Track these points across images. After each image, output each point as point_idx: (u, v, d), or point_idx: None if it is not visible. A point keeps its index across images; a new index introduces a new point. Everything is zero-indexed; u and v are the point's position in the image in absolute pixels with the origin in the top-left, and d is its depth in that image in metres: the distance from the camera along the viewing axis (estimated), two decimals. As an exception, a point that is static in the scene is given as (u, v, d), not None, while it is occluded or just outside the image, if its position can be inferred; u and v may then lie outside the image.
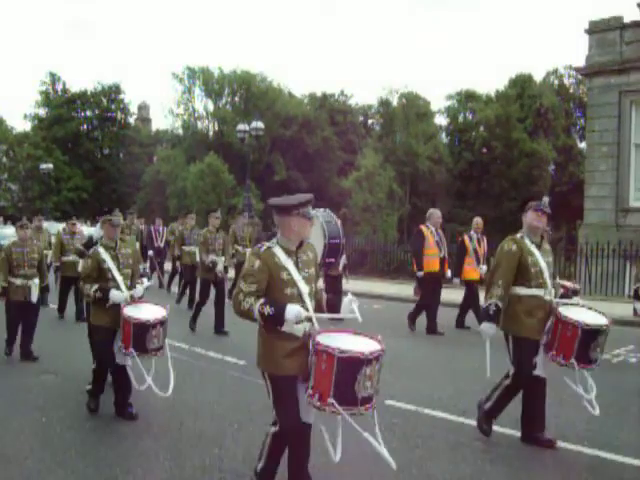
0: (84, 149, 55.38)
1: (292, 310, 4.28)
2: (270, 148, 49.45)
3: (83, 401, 7.16)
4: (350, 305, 4.69)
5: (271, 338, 4.47)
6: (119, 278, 6.83)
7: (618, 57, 20.42)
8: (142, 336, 6.40)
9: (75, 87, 57.65)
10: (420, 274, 12.03)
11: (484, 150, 50.36)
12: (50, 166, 45.32)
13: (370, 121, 59.40)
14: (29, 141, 53.68)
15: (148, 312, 6.63)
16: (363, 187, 42.10)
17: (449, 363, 9.62)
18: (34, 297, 9.63)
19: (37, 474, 5.28)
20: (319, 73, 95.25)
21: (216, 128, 53.72)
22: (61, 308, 13.55)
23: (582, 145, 47.65)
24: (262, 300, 4.33)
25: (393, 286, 20.36)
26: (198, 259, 13.16)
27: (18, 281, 9.53)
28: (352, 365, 4.14)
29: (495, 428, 6.39)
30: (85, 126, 57.94)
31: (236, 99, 54.31)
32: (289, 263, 4.50)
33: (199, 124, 55.52)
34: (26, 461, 5.57)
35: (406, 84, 71.91)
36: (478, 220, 13.31)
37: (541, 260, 6.08)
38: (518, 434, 6.28)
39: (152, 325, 6.43)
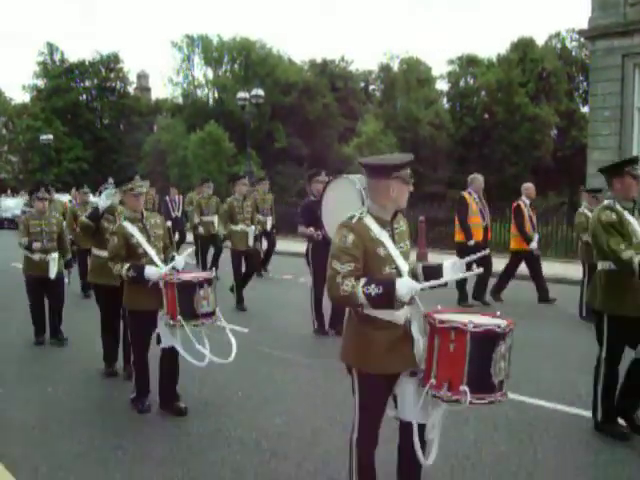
0: (84, 119, 55.06)
1: (404, 285, 3.54)
2: (270, 115, 49.13)
3: (88, 370, 7.20)
4: (454, 267, 3.91)
5: (366, 329, 3.71)
6: (152, 252, 6.10)
7: (622, 19, 20.16)
8: (189, 297, 5.69)
9: (73, 57, 57.20)
10: (471, 243, 10.98)
11: (486, 115, 50.05)
12: (50, 137, 45.08)
13: (371, 87, 58.96)
14: (28, 112, 53.43)
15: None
16: (364, 154, 41.89)
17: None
18: (52, 272, 8.80)
19: (43, 443, 5.32)
20: (319, 39, 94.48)
21: (216, 96, 53.38)
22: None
23: (585, 109, 47.28)
24: (364, 280, 3.55)
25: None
26: (218, 230, 13.00)
27: (36, 256, 8.81)
28: (488, 341, 3.53)
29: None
30: (84, 96, 57.52)
31: (236, 67, 53.87)
32: (384, 236, 3.74)
33: (199, 92, 55.20)
34: (33, 431, 5.61)
35: (407, 49, 71.52)
36: (530, 186, 12.09)
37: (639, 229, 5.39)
38: (521, 398, 6.32)
39: (198, 283, 5.74)
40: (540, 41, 53.26)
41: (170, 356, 6.00)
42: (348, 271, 3.57)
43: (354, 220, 3.72)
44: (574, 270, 13.47)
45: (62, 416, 5.99)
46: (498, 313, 3.81)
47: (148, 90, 64.82)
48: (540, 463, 4.91)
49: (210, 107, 52.49)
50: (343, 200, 8.00)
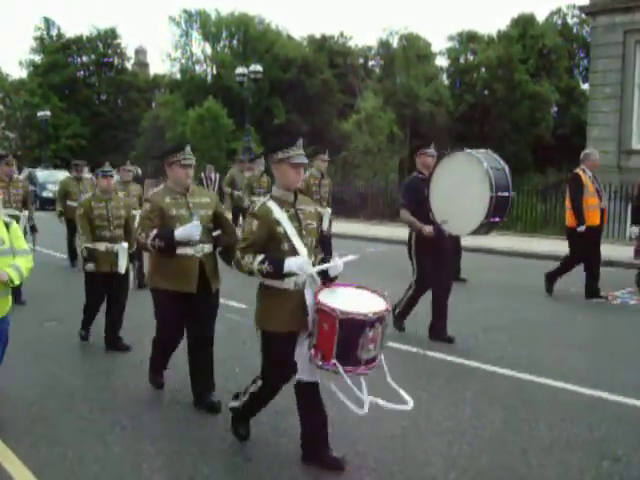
0: (81, 95, 54.80)
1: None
2: (269, 91, 48.90)
3: (87, 347, 7.22)
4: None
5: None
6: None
7: (623, -5, 20.03)
8: (353, 340, 4.03)
9: (70, 32, 56.88)
10: (582, 229, 9.83)
11: (485, 92, 49.79)
12: (47, 113, 44.91)
13: (370, 63, 58.61)
14: (25, 88, 53.15)
15: (354, 300, 4.21)
16: (363, 130, 41.73)
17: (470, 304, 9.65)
18: (122, 266, 7.35)
19: (43, 420, 5.35)
20: (318, 15, 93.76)
21: (214, 72, 53.10)
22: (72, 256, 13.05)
23: (585, 86, 47.06)
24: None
25: (397, 229, 20.35)
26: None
27: (102, 246, 7.34)
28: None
29: (494, 369, 6.49)
30: (82, 72, 57.23)
31: (234, 42, 53.56)
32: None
33: (197, 68, 54.91)
34: (32, 407, 5.63)
35: (406, 25, 71.04)
36: (595, 153, 10.62)
37: None
38: (517, 375, 6.36)
39: (370, 323, 4.03)
40: (541, 17, 52.99)
41: (311, 389, 4.48)
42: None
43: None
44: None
45: (61, 393, 6.01)
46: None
47: (146, 66, 64.43)
48: (535, 439, 4.94)
49: (208, 83, 52.23)
50: (460, 181, 7.07)
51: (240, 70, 29.48)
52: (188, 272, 5.41)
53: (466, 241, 11.27)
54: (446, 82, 53.59)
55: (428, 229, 7.33)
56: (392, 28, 51.78)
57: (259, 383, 4.57)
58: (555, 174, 35.08)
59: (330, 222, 10.83)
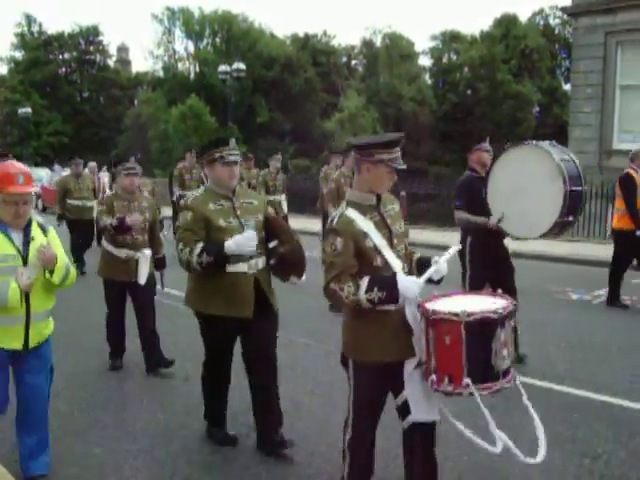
0: (63, 92, 54.42)
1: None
2: (252, 90, 48.78)
3: (69, 344, 7.15)
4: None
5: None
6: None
7: (604, -4, 20.15)
8: (484, 346, 3.32)
9: (52, 29, 56.61)
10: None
11: (468, 91, 49.95)
12: (29, 110, 44.50)
13: (353, 62, 58.68)
14: (6, 85, 52.67)
15: (469, 303, 3.46)
16: (346, 129, 41.74)
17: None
18: (142, 277, 6.44)
19: (22, 418, 5.28)
20: (301, 13, 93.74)
21: (197, 70, 52.94)
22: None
23: (567, 87, 47.36)
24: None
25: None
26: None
27: (122, 253, 6.50)
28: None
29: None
30: (63, 69, 56.86)
31: (217, 40, 53.43)
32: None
33: (180, 66, 54.70)
34: (10, 405, 5.57)
35: (390, 24, 71.02)
36: None
37: None
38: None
39: (500, 320, 3.32)
40: (523, 18, 53.27)
41: (426, 434, 3.83)
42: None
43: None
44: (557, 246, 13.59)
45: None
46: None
47: (128, 63, 64.18)
48: (518, 439, 4.95)
49: (191, 81, 52.03)
50: (525, 177, 6.27)
51: (223, 68, 29.43)
52: (242, 294, 4.51)
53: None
54: (429, 81, 53.72)
55: (493, 221, 6.47)
56: (375, 27, 52.16)
57: (348, 434, 3.75)
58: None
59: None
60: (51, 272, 4.09)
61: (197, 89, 47.82)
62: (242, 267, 4.50)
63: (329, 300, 3.66)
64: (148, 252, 6.51)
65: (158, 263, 6.80)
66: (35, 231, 4.17)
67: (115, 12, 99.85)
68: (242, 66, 28.85)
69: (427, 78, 54.20)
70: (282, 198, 13.20)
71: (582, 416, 5.37)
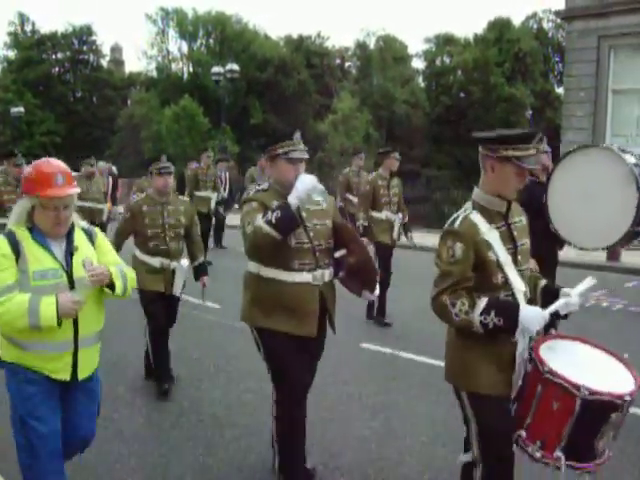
0: (56, 92, 54.24)
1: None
2: (246, 91, 48.77)
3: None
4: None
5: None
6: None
7: (598, 0, 20.20)
8: (594, 428, 2.96)
9: (45, 28, 56.43)
10: None
11: (461, 94, 50.09)
12: (21, 110, 44.36)
13: (347, 64, 58.66)
14: (-1, 84, 52.56)
15: (587, 366, 3.12)
16: (339, 131, 41.80)
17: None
18: (178, 289, 6.04)
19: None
20: (295, 15, 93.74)
21: (191, 70, 52.90)
22: None
23: (560, 90, 47.49)
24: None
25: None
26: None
27: (156, 262, 5.94)
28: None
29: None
30: (57, 69, 56.63)
31: (211, 41, 53.39)
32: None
33: (173, 66, 54.64)
34: (1, 407, 5.55)
35: (383, 27, 71.17)
36: None
37: None
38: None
39: (623, 407, 2.95)
40: (517, 21, 53.43)
41: None
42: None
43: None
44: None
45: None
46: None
47: (122, 63, 63.97)
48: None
49: (185, 81, 51.98)
50: (591, 182, 5.61)
51: (217, 69, 29.39)
52: (307, 308, 4.03)
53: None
54: (422, 84, 53.84)
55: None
56: (369, 29, 52.33)
57: (480, 471, 3.25)
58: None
59: (400, 232, 9.07)
60: (111, 287, 3.43)
61: (190, 90, 47.77)
62: (306, 277, 4.00)
63: (436, 313, 3.12)
64: (185, 262, 5.98)
65: (198, 271, 6.15)
66: (79, 239, 3.48)
67: (109, 12, 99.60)
68: (236, 67, 28.83)
69: (420, 81, 54.34)
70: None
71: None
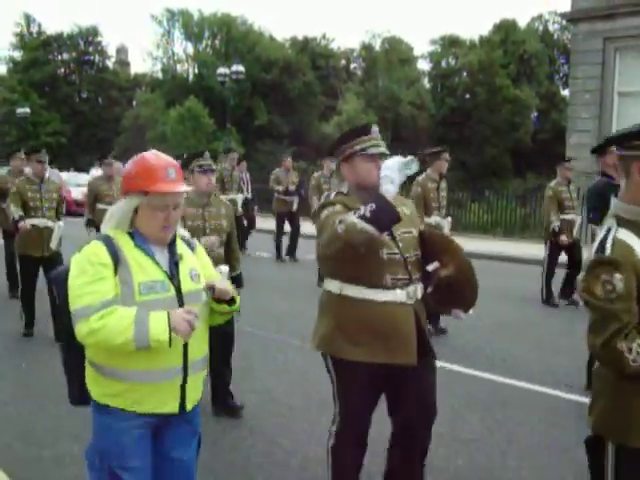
0: (62, 93, 54.37)
1: None
2: (251, 92, 48.80)
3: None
4: None
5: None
6: None
7: (604, 2, 20.15)
8: None
9: (51, 29, 56.54)
10: None
11: (467, 96, 50.04)
12: (27, 110, 44.49)
13: (352, 65, 58.69)
14: (5, 85, 52.65)
15: None
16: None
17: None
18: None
19: (18, 419, 5.29)
20: (301, 16, 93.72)
21: (196, 71, 52.95)
22: None
23: (565, 92, 47.44)
24: None
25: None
26: None
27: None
28: None
29: (473, 372, 6.50)
30: (62, 69, 56.78)
31: (216, 42, 53.44)
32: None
33: (179, 67, 54.71)
34: (6, 407, 5.57)
35: (389, 28, 71.21)
36: None
37: None
38: (496, 378, 6.37)
39: None
40: (522, 23, 53.34)
41: None
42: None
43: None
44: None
45: (35, 392, 5.94)
46: None
47: (127, 64, 64.11)
48: (513, 442, 4.96)
49: (190, 82, 52.04)
50: None
51: (222, 70, 29.42)
52: (404, 331, 3.41)
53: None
54: (428, 86, 53.77)
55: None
56: (374, 31, 52.25)
57: None
58: (534, 179, 35.35)
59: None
60: (230, 302, 2.93)
61: (196, 91, 47.82)
62: (400, 296, 3.40)
63: (607, 364, 2.53)
64: (225, 268, 5.21)
65: (233, 282, 4.90)
66: (181, 247, 2.95)
67: (114, 13, 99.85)
68: (241, 68, 28.83)
69: (426, 82, 54.27)
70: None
71: (578, 420, 5.37)
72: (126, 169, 2.90)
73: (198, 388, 2.94)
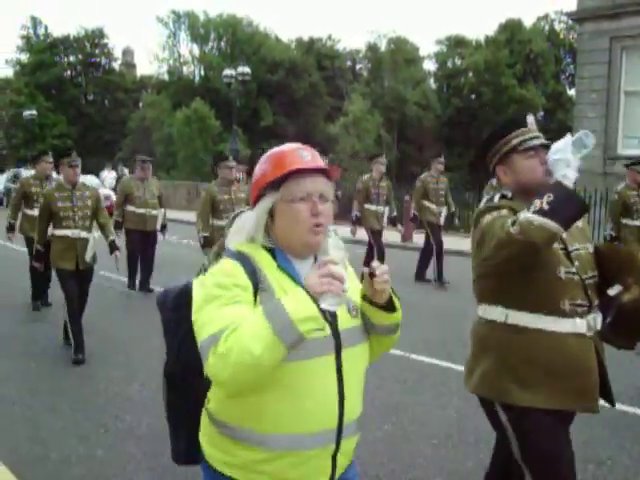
0: (68, 95, 54.51)
1: None
2: (257, 93, 48.91)
3: (70, 348, 7.16)
4: None
5: None
6: None
7: (610, 1, 20.10)
8: None
9: (57, 32, 56.71)
10: None
11: (473, 96, 50.00)
12: (34, 113, 44.60)
13: (358, 66, 58.74)
14: (11, 87, 52.82)
15: None
16: (350, 133, 41.81)
17: (440, 308, 9.68)
18: None
19: (25, 419, 5.29)
20: (306, 17, 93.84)
21: (202, 73, 53.11)
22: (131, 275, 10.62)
23: (571, 92, 47.34)
24: None
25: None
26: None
27: None
28: None
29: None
30: (69, 72, 56.96)
31: (222, 44, 53.60)
32: None
33: (185, 69, 54.91)
34: (14, 406, 5.58)
35: (394, 29, 71.16)
36: None
37: None
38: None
39: None
40: (528, 23, 53.32)
41: None
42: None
43: None
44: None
45: (43, 392, 5.95)
46: None
47: (133, 66, 64.23)
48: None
49: (196, 84, 52.21)
50: None
51: (228, 72, 29.42)
52: (586, 370, 2.81)
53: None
54: (433, 86, 53.79)
55: None
56: (380, 31, 52.32)
57: None
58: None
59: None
60: (385, 307, 2.13)
61: (202, 92, 47.94)
62: (580, 326, 2.77)
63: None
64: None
65: None
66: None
67: (120, 15, 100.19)
68: (247, 70, 28.84)
69: (432, 83, 54.29)
70: (386, 210, 11.49)
71: (584, 421, 5.34)
72: (255, 174, 2.22)
73: (349, 454, 2.21)
